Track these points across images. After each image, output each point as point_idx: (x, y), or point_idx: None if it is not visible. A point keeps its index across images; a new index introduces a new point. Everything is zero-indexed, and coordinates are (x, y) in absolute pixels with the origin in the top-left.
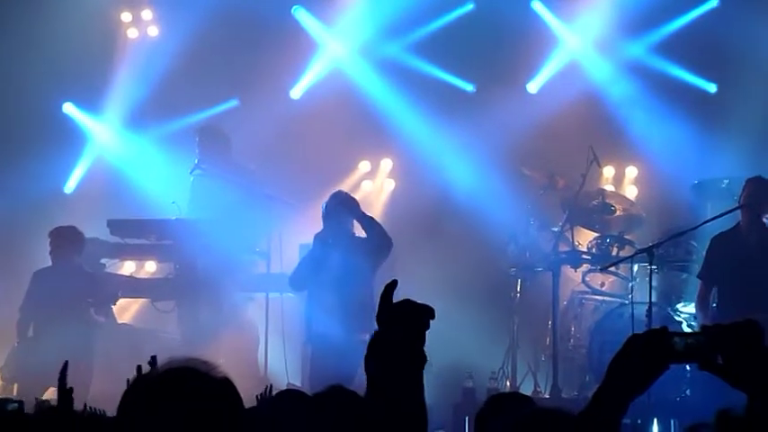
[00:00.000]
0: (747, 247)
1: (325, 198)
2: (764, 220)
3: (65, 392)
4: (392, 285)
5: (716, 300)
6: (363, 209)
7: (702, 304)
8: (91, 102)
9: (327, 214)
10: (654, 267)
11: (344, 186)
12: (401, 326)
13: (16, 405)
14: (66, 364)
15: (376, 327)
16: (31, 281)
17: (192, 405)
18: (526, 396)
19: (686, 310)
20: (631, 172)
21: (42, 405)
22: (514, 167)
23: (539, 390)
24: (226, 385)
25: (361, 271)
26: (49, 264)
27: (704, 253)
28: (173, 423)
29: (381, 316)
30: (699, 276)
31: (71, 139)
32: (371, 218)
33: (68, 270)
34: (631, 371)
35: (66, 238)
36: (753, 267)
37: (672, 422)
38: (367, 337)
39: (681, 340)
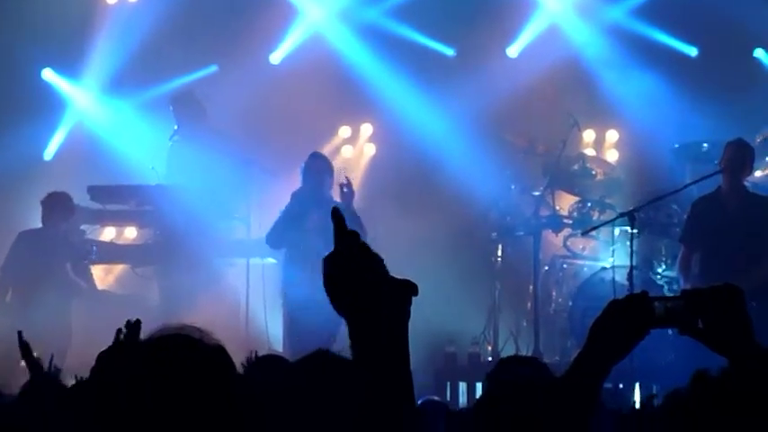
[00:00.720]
0: (728, 211)
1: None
2: (745, 183)
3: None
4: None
5: (698, 264)
6: (345, 173)
7: (684, 268)
8: (70, 67)
9: (307, 174)
10: (635, 231)
11: (325, 151)
12: (383, 303)
13: None
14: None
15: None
16: (15, 241)
17: (186, 372)
18: (536, 359)
19: (667, 274)
20: (612, 136)
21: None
22: (495, 132)
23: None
24: (220, 352)
25: None
26: (36, 226)
27: (685, 217)
28: (167, 390)
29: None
30: (680, 240)
31: (51, 105)
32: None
33: (53, 235)
34: (612, 336)
35: (54, 204)
36: (733, 231)
37: (654, 387)
38: None
39: (661, 305)
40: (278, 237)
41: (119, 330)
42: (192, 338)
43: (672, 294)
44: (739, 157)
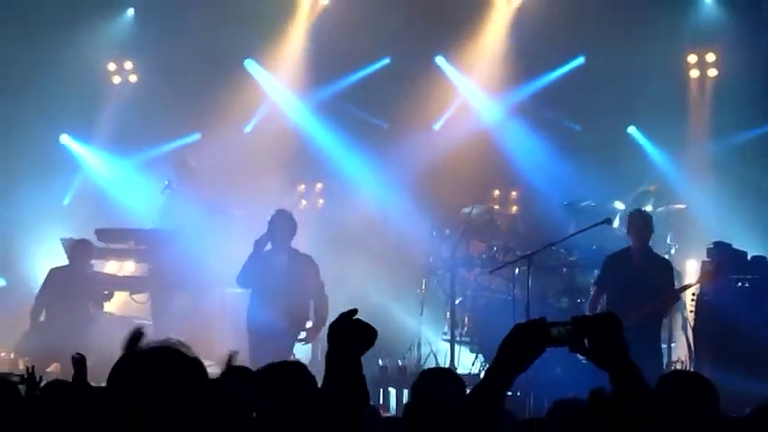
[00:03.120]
0: (634, 266)
1: (270, 212)
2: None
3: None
4: (353, 313)
5: (605, 303)
6: (300, 220)
7: (594, 305)
8: (83, 133)
9: (272, 225)
10: (531, 270)
11: (285, 202)
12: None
13: (18, 378)
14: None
15: (308, 325)
16: (47, 276)
17: (172, 376)
18: (451, 370)
19: (556, 305)
20: (514, 194)
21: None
22: (421, 188)
23: None
24: (197, 362)
25: (300, 280)
26: (64, 263)
27: (572, 259)
28: (156, 391)
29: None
30: (594, 284)
31: (67, 162)
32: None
33: (78, 274)
34: (516, 352)
35: (81, 249)
36: (636, 282)
37: (543, 397)
38: (302, 335)
39: (555, 329)
40: (246, 278)
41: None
42: (178, 350)
43: (563, 320)
44: (644, 224)
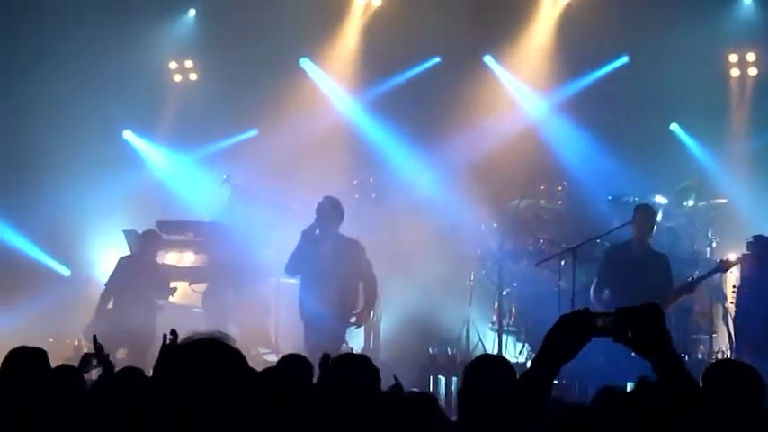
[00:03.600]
0: (636, 258)
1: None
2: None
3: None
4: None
5: (609, 293)
6: (353, 212)
7: (596, 294)
8: (144, 129)
9: (318, 211)
10: (576, 263)
11: (339, 196)
12: None
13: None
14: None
15: (358, 309)
16: (117, 264)
17: (212, 369)
18: (503, 358)
19: (601, 296)
20: (560, 188)
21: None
22: (471, 183)
23: None
24: (239, 355)
25: (347, 264)
26: (129, 253)
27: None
28: (197, 382)
29: None
30: (597, 273)
31: (129, 157)
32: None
33: (145, 261)
34: (562, 342)
35: (148, 238)
36: (638, 273)
37: (589, 384)
38: (353, 319)
39: (600, 319)
40: (293, 267)
41: (164, 335)
42: (221, 342)
43: (607, 311)
44: (647, 219)
